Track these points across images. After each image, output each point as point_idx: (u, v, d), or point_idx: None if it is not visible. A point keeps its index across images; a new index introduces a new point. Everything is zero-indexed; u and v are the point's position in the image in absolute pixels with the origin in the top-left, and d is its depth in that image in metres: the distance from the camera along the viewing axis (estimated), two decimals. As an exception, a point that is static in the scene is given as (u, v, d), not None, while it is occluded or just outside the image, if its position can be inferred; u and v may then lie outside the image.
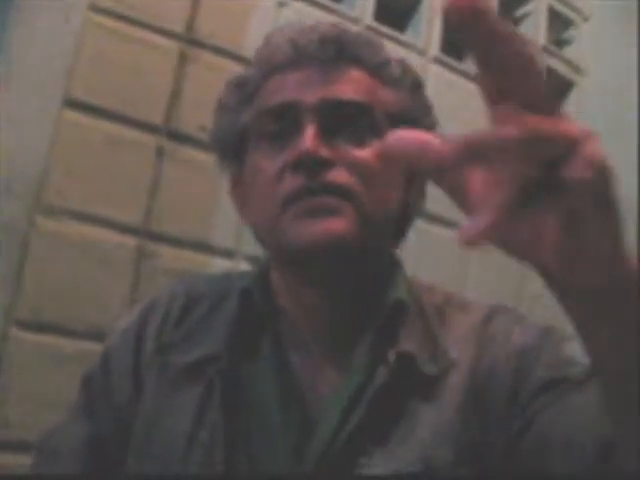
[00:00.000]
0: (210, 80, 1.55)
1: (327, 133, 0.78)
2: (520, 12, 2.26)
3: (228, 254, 1.53)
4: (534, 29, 2.23)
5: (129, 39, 1.47)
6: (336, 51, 0.82)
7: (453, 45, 2.05)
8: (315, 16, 1.73)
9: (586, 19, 2.35)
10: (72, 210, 1.35)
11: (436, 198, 1.94)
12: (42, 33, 1.37)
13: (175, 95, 1.51)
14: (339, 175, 0.77)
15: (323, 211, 0.76)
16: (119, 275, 1.39)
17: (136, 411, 0.84)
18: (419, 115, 0.87)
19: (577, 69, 2.32)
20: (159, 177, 1.47)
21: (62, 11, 1.39)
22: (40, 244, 1.31)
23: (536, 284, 1.91)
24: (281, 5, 1.70)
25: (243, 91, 0.87)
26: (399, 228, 0.88)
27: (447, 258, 1.86)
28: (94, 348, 1.30)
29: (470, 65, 2.07)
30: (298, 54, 0.82)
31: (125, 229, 1.41)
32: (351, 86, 0.81)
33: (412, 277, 0.90)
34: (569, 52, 2.33)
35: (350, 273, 0.81)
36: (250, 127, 0.84)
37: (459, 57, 2.09)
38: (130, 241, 1.41)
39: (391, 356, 0.77)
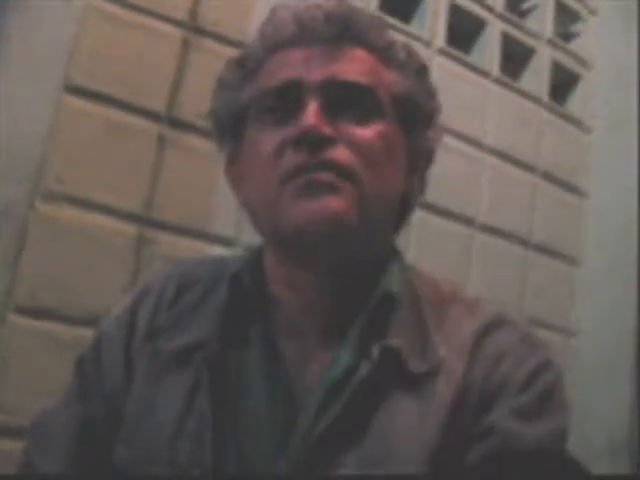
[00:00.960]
0: (213, 68, 1.52)
1: (330, 111, 0.77)
2: (527, 5, 2.25)
3: (227, 242, 1.53)
4: (541, 22, 2.23)
5: (131, 25, 1.47)
6: (341, 30, 0.81)
7: (459, 37, 2.05)
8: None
9: (593, 12, 2.34)
10: (71, 196, 1.35)
11: (441, 190, 1.94)
12: (43, 18, 1.36)
13: (177, 83, 1.51)
14: (340, 153, 0.75)
15: (322, 188, 0.74)
16: (118, 262, 1.38)
17: (127, 397, 0.83)
18: (423, 99, 0.86)
19: (583, 62, 2.31)
20: (160, 164, 1.46)
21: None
22: (39, 230, 1.30)
23: (539, 277, 1.91)
24: (285, -6, 1.69)
25: (244, 68, 0.85)
26: (399, 215, 0.86)
27: (451, 251, 1.86)
28: (92, 334, 1.29)
29: (476, 57, 2.06)
30: (302, 31, 0.81)
31: (125, 216, 1.41)
32: (355, 66, 0.80)
33: (415, 268, 0.88)
34: (575, 45, 2.32)
35: (347, 256, 0.79)
36: (251, 104, 0.82)
37: (465, 49, 2.08)
38: (130, 228, 1.41)
39: (375, 350, 0.75)
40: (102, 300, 1.33)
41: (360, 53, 0.81)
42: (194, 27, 1.55)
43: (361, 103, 0.79)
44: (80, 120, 1.38)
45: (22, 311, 1.27)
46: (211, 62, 1.55)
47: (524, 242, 2.05)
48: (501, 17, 2.12)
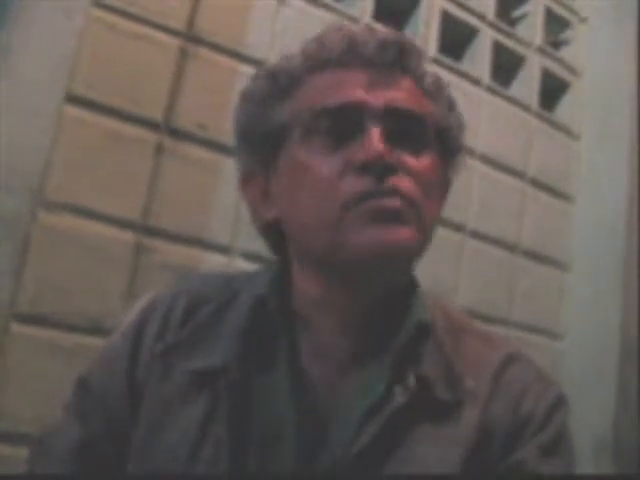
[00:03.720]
0: (210, 78, 1.57)
1: (389, 139, 0.76)
2: (517, 13, 2.28)
3: (224, 250, 1.55)
4: (531, 30, 2.26)
5: (130, 35, 1.49)
6: (393, 58, 0.80)
7: (450, 45, 2.07)
8: (315, 15, 1.75)
9: (583, 20, 2.37)
10: (72, 205, 1.37)
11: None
12: (44, 28, 1.38)
13: (175, 92, 1.53)
14: (404, 182, 0.75)
15: (391, 216, 0.73)
16: (117, 269, 1.41)
17: (131, 416, 0.82)
18: (458, 132, 0.87)
19: (573, 70, 2.34)
20: (158, 173, 1.48)
21: (64, 7, 1.40)
22: (41, 239, 1.33)
23: (527, 282, 1.94)
24: (282, 3, 1.71)
25: (277, 83, 0.83)
26: None
27: (440, 256, 1.88)
28: (92, 342, 1.32)
29: (467, 65, 2.09)
30: (353, 54, 0.80)
31: (124, 224, 1.43)
32: (407, 95, 0.80)
33: (427, 292, 0.87)
34: (565, 53, 2.36)
35: (393, 282, 0.80)
36: (292, 122, 0.80)
37: (457, 57, 2.11)
38: (129, 236, 1.43)
39: (411, 379, 0.76)
40: (102, 307, 1.36)
41: (407, 82, 0.81)
42: (192, 37, 1.57)
43: (415, 133, 0.79)
44: (80, 130, 1.40)
45: (24, 319, 1.30)
46: (209, 72, 1.57)
47: (513, 247, 2.09)
48: (492, 25, 2.15)
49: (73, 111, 1.40)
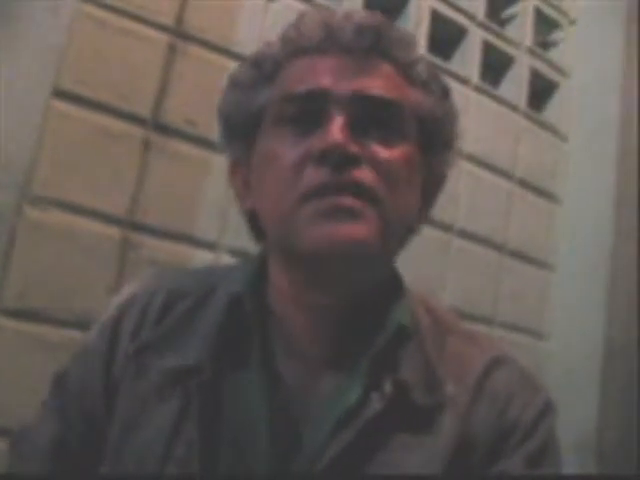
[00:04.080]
0: (199, 74, 1.57)
1: (355, 128, 0.73)
2: (507, 13, 2.29)
3: (211, 246, 1.55)
4: (520, 30, 2.26)
5: (118, 31, 1.48)
6: (371, 43, 0.77)
7: (440, 44, 2.08)
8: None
9: (572, 22, 2.38)
10: (59, 200, 1.37)
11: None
12: (31, 24, 1.37)
13: (163, 88, 1.53)
14: (365, 175, 0.72)
15: (346, 213, 0.70)
16: (104, 265, 1.41)
17: (107, 414, 0.81)
18: (446, 122, 0.83)
19: (561, 71, 2.35)
20: (145, 169, 1.48)
21: (52, 2, 1.39)
22: (27, 234, 1.32)
23: (513, 281, 1.95)
24: (271, 0, 1.71)
25: (260, 70, 0.81)
26: (405, 238, 0.83)
27: (426, 257, 1.89)
28: (78, 336, 1.32)
29: (456, 65, 2.10)
30: (330, 39, 0.77)
31: (110, 220, 1.43)
32: (384, 82, 0.76)
33: (411, 293, 0.85)
34: (554, 54, 2.36)
35: (361, 281, 0.77)
36: (267, 109, 0.79)
37: (446, 56, 2.12)
38: (115, 232, 1.43)
39: (387, 384, 0.73)
40: (89, 302, 1.35)
41: (387, 68, 0.78)
42: (180, 33, 1.56)
43: (387, 121, 0.76)
44: (67, 125, 1.40)
45: (10, 313, 1.30)
46: (197, 68, 1.57)
47: (499, 247, 2.10)
48: (482, 25, 2.15)
49: (61, 106, 1.40)
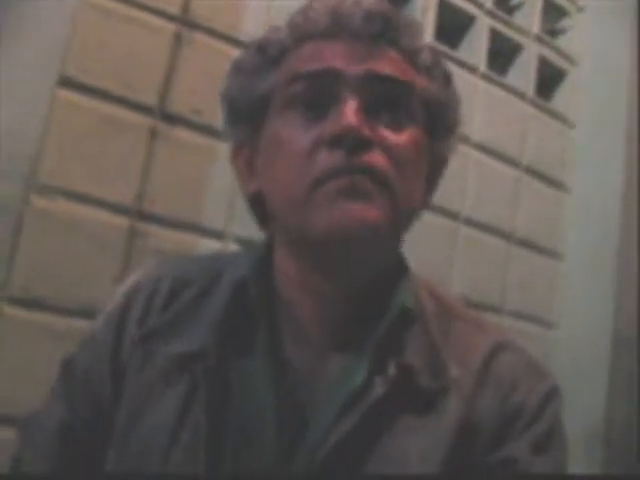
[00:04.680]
0: (205, 63, 1.56)
1: (368, 111, 0.73)
2: (515, 1, 2.27)
3: (218, 235, 1.55)
4: (529, 18, 2.25)
5: (124, 20, 1.48)
6: (379, 29, 0.77)
7: (447, 32, 2.07)
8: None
9: (580, 10, 2.36)
10: (65, 190, 1.37)
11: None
12: (37, 14, 1.37)
13: (169, 77, 1.52)
14: (378, 159, 0.72)
15: (359, 194, 0.70)
16: (111, 254, 1.41)
17: (114, 400, 0.82)
18: (450, 107, 0.84)
19: (570, 59, 2.33)
20: (151, 158, 1.48)
21: (58, -10, 1.39)
22: (33, 223, 1.33)
23: (521, 270, 1.94)
24: (277, -11, 1.70)
25: (265, 54, 0.81)
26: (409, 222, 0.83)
27: (433, 245, 1.88)
28: (85, 325, 1.32)
29: (464, 53, 2.09)
30: (338, 25, 0.77)
31: (117, 209, 1.43)
32: (393, 65, 0.77)
33: (417, 277, 0.85)
34: (562, 42, 2.35)
35: (370, 267, 0.77)
36: (274, 92, 0.79)
37: (453, 44, 2.10)
38: (122, 221, 1.43)
39: (391, 368, 0.74)
40: (95, 291, 1.35)
41: (394, 54, 0.78)
42: (187, 22, 1.56)
43: (398, 103, 0.76)
44: (73, 114, 1.40)
45: (16, 302, 1.30)
46: (204, 57, 1.57)
47: (507, 236, 2.09)
48: (490, 13, 2.14)
49: (66, 95, 1.40)
